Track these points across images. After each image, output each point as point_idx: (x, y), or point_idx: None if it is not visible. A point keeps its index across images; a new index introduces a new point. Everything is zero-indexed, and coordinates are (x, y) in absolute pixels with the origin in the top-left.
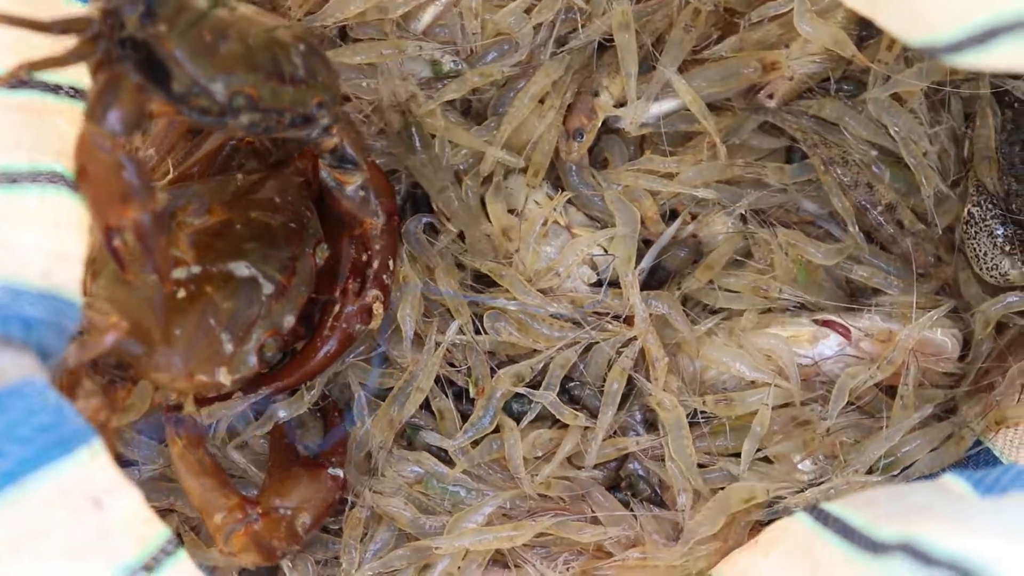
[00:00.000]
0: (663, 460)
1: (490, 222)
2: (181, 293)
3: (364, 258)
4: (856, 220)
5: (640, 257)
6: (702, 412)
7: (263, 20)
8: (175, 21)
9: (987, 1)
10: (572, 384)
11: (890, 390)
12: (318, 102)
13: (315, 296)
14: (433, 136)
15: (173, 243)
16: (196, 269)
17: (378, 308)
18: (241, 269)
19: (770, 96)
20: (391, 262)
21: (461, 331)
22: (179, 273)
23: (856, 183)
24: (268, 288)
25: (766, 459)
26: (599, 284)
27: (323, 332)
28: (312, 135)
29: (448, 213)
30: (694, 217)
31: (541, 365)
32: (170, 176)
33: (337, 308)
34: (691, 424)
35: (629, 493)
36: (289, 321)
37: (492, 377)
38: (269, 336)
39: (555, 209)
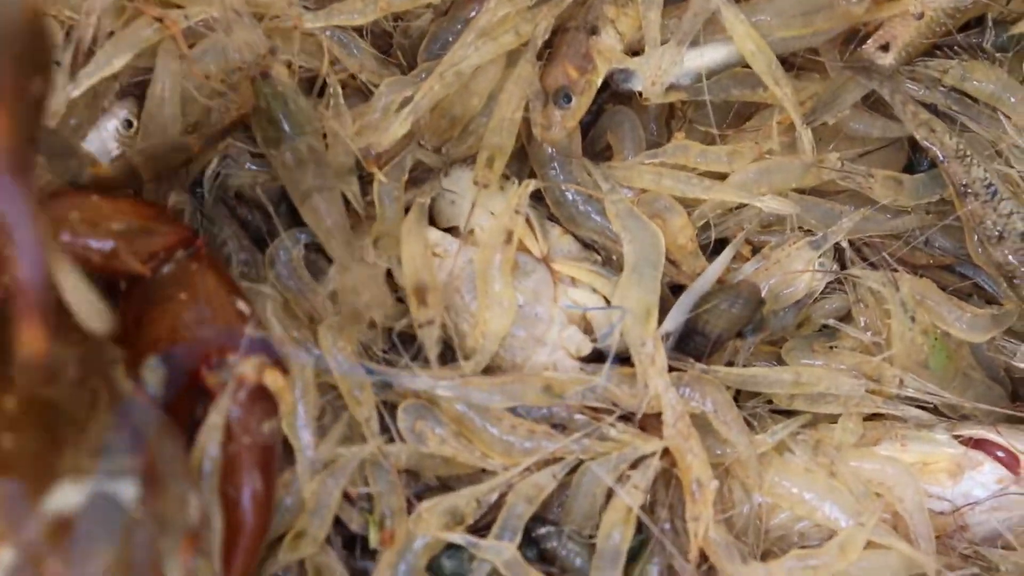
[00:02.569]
0: None
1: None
2: None
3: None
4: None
5: (665, 312)
6: None
7: None
8: None
9: None
10: (544, 530)
11: None
12: None
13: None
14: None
15: None
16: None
17: (274, 378)
18: (70, 496)
19: (884, 47)
20: (235, 302)
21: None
22: None
23: (1003, 233)
24: (129, 491)
25: None
26: (596, 358)
27: (230, 473)
28: None
29: (317, 234)
30: (755, 249)
31: (494, 497)
32: None
33: (217, 419)
34: None
35: None
36: (196, 506)
37: (409, 515)
38: (189, 554)
39: (517, 212)
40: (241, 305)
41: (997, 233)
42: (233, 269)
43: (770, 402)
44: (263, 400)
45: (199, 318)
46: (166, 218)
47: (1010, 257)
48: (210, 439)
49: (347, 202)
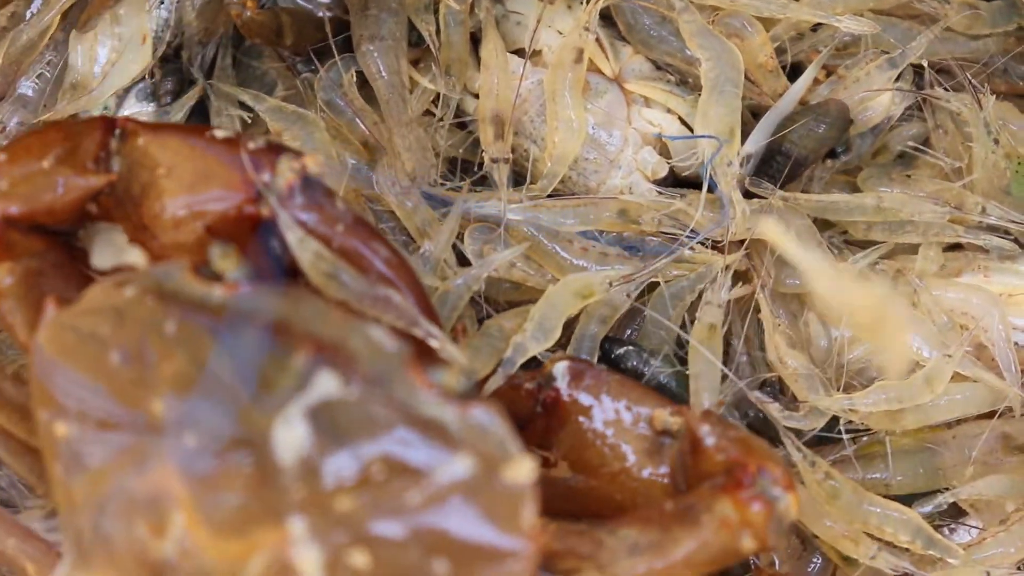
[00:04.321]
0: None
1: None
2: None
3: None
4: None
5: (746, 136)
6: (848, 423)
7: None
8: None
9: None
10: (623, 350)
11: None
12: None
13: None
14: None
15: None
16: None
17: (312, 161)
18: (294, 437)
19: None
20: (214, 135)
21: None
22: None
23: None
24: (328, 382)
25: (955, 507)
26: (674, 182)
27: (355, 264)
28: None
29: (372, 84)
30: (828, 73)
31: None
32: None
33: (297, 233)
34: (827, 441)
35: None
36: (382, 333)
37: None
38: (423, 377)
39: (586, 33)
40: (220, 133)
41: None
42: (276, 96)
43: (845, 233)
44: (317, 188)
45: (198, 174)
46: (69, 123)
47: None
48: (310, 250)
49: (420, 39)
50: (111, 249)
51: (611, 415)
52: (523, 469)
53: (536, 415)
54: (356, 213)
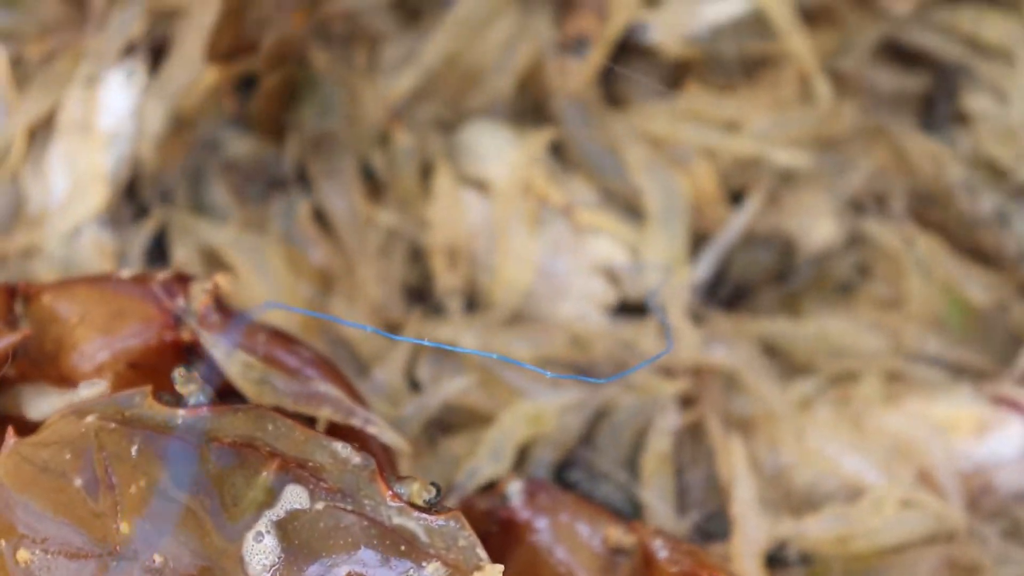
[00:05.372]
0: None
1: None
2: None
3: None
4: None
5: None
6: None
7: None
8: None
9: None
10: (578, 476)
11: None
12: None
13: None
14: None
15: None
16: None
17: (221, 281)
18: (265, 550)
19: None
20: (118, 276)
21: None
22: None
23: (1000, 216)
24: (298, 495)
25: None
26: (624, 308)
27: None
28: None
29: (331, 218)
30: (771, 200)
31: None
32: None
33: (223, 352)
34: (775, 564)
35: None
36: (342, 447)
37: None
38: (385, 487)
39: (535, 163)
40: (126, 273)
41: (992, 215)
42: (231, 223)
43: (788, 360)
44: (231, 305)
45: (112, 314)
46: None
47: (990, 233)
48: (238, 362)
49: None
50: (45, 398)
51: (566, 534)
52: None
53: (490, 534)
54: (272, 325)
